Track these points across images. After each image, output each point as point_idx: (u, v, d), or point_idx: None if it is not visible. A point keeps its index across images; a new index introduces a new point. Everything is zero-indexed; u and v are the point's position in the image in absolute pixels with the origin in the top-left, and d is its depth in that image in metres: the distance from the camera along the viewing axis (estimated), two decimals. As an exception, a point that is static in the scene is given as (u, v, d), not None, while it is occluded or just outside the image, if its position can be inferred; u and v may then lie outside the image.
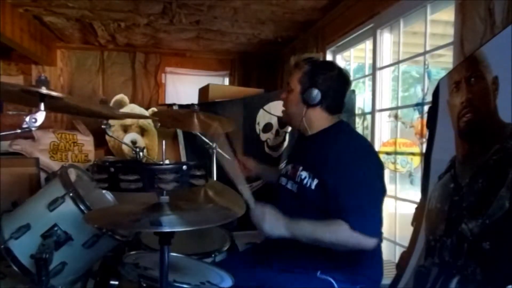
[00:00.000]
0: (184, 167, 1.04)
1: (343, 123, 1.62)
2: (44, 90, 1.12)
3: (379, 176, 1.50)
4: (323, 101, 1.52)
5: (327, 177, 1.43)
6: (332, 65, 1.64)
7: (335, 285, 1.43)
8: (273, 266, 1.52)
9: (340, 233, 1.34)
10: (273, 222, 1.40)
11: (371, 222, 1.37)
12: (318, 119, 1.56)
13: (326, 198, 1.42)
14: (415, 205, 1.82)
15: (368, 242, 1.35)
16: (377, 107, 2.54)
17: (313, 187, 1.47)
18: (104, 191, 1.61)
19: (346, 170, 1.41)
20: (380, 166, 1.54)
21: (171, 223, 1.00)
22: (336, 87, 1.56)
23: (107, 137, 2.95)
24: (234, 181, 1.54)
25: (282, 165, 2.66)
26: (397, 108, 2.45)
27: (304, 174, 1.51)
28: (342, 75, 1.57)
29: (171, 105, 3.16)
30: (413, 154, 2.31)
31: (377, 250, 1.56)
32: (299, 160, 1.59)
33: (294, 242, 1.43)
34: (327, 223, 1.37)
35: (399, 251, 2.13)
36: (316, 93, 1.50)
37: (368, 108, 2.77)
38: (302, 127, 1.59)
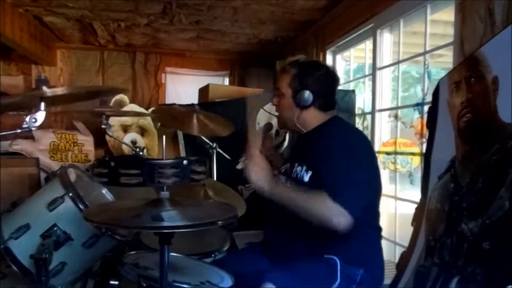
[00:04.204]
0: (185, 161, 1.04)
1: (336, 118, 1.63)
2: (46, 92, 1.12)
3: (370, 166, 1.51)
4: (316, 101, 1.54)
5: (320, 167, 1.44)
6: (319, 64, 1.67)
7: (339, 263, 1.42)
8: (274, 260, 1.53)
9: (318, 202, 1.34)
10: (262, 176, 1.43)
11: (349, 197, 1.35)
12: (313, 118, 1.58)
13: (319, 189, 1.41)
14: (415, 205, 1.82)
15: (339, 215, 1.31)
16: (377, 107, 2.54)
17: (306, 179, 1.48)
18: (104, 191, 1.60)
19: (336, 156, 1.43)
20: (372, 157, 1.56)
21: (172, 219, 1.00)
22: (326, 85, 1.59)
23: (107, 137, 2.95)
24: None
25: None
26: (397, 108, 2.45)
27: (298, 168, 1.53)
28: (330, 73, 1.60)
29: (171, 105, 3.16)
30: (413, 154, 2.31)
31: (379, 250, 1.56)
32: (296, 157, 1.62)
33: (294, 242, 1.43)
34: (309, 193, 1.38)
35: (399, 251, 2.13)
36: (307, 94, 1.53)
37: (368, 108, 2.76)
38: (298, 128, 1.61)
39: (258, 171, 1.44)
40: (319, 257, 1.44)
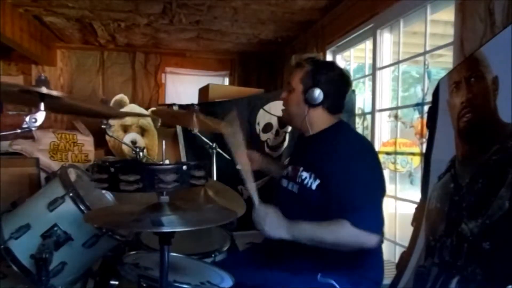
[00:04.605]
0: (184, 167, 1.04)
1: (343, 123, 1.62)
2: (44, 90, 1.12)
3: (378, 174, 1.50)
4: (325, 101, 1.52)
5: (328, 176, 1.43)
6: (334, 65, 1.64)
7: (338, 287, 1.42)
8: (273, 266, 1.52)
9: (341, 232, 1.34)
10: (274, 224, 1.40)
11: (372, 218, 1.38)
12: (319, 119, 1.56)
13: (327, 198, 1.42)
14: (415, 205, 1.82)
15: (369, 239, 1.35)
16: (377, 107, 2.54)
17: (314, 187, 1.46)
18: (104, 191, 1.60)
19: (346, 169, 1.41)
20: (378, 165, 1.55)
21: (171, 223, 1.00)
22: (338, 87, 1.56)
23: (107, 137, 2.96)
24: (243, 175, 1.51)
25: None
26: (397, 108, 2.45)
27: (305, 174, 1.51)
28: (344, 76, 1.58)
29: (171, 105, 3.16)
30: (413, 154, 2.31)
31: (378, 250, 1.55)
32: (300, 161, 1.59)
33: (294, 243, 1.43)
34: (328, 223, 1.37)
35: (399, 251, 2.13)
36: (318, 93, 1.50)
37: (368, 108, 2.76)
38: (303, 127, 1.59)
39: (269, 221, 1.40)
40: (315, 274, 1.42)
